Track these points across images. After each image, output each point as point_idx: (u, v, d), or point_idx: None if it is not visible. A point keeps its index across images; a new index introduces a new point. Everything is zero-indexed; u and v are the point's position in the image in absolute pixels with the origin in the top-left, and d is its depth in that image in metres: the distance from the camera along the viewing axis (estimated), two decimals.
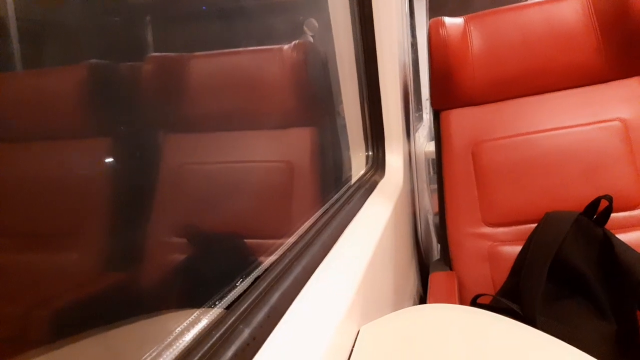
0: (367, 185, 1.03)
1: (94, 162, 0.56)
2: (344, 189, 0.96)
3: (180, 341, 0.40)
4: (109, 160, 0.57)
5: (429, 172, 1.79)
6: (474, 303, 1.03)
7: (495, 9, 1.27)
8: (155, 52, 0.78)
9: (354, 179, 1.09)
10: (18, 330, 0.39)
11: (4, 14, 0.41)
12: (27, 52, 0.44)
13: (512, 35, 1.22)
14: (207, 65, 0.98)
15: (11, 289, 0.39)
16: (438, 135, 1.30)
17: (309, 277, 0.58)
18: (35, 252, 0.43)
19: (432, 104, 1.31)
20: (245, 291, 0.50)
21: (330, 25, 1.13)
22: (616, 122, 1.12)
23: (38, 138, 0.48)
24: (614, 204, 0.98)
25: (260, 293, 0.49)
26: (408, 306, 1.08)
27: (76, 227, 0.52)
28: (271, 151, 1.02)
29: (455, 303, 0.99)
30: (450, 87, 1.24)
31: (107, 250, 0.55)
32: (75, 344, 0.41)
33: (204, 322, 0.43)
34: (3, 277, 0.39)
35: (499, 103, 1.24)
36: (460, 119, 1.25)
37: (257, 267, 0.56)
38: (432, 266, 1.23)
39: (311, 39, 1.14)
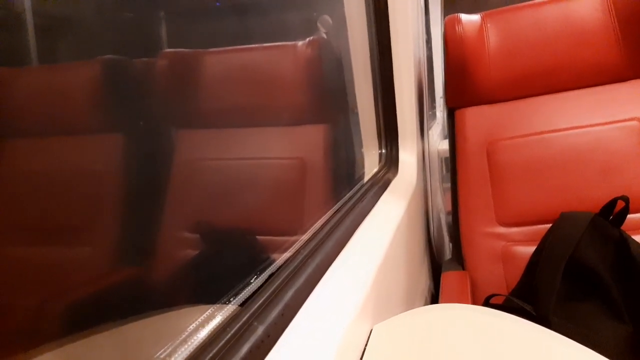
0: (380, 183, 1.03)
1: (108, 157, 0.56)
2: (357, 186, 0.96)
3: (195, 337, 0.40)
4: (124, 155, 0.57)
5: (442, 171, 1.78)
6: (487, 303, 1.03)
7: (512, 5, 1.26)
8: (169, 48, 0.78)
9: (367, 177, 1.08)
10: (32, 324, 0.39)
11: (20, 9, 0.41)
12: (43, 47, 0.44)
13: (529, 33, 1.21)
14: (220, 62, 0.99)
15: (26, 283, 0.40)
16: (452, 134, 1.29)
17: (322, 275, 0.58)
18: (51, 246, 0.44)
19: (447, 102, 1.30)
20: (259, 288, 0.50)
21: (344, 21, 1.12)
22: (634, 122, 1.11)
23: (53, 133, 0.48)
24: (631, 205, 0.96)
25: (274, 290, 0.49)
26: (420, 305, 1.07)
27: (91, 222, 0.52)
28: (284, 148, 1.02)
29: (467, 303, 0.98)
30: (466, 85, 1.23)
31: (121, 245, 0.56)
32: (89, 339, 0.41)
33: (218, 319, 0.43)
34: (19, 271, 0.39)
35: (514, 101, 1.23)
36: (475, 118, 1.24)
37: (270, 264, 0.56)
38: (444, 265, 1.23)
39: (325, 36, 1.13)
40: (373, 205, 0.89)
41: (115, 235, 0.56)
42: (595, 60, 1.16)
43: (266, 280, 0.52)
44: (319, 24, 1.16)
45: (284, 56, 1.06)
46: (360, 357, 0.52)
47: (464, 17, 1.25)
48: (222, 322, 0.42)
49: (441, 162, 1.79)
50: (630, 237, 0.95)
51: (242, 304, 0.46)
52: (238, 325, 0.41)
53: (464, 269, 1.17)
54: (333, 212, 0.79)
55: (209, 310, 0.44)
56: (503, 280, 1.10)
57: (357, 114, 1.19)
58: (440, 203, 1.58)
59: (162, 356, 0.38)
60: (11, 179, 0.40)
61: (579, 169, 1.10)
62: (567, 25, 1.18)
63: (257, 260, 0.58)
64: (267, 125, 1.02)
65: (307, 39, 1.04)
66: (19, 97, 0.43)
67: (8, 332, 0.37)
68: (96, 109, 0.58)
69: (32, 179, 0.43)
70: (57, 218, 0.46)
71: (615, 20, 1.15)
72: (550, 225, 1.06)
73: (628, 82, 1.16)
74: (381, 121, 1.19)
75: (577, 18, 1.18)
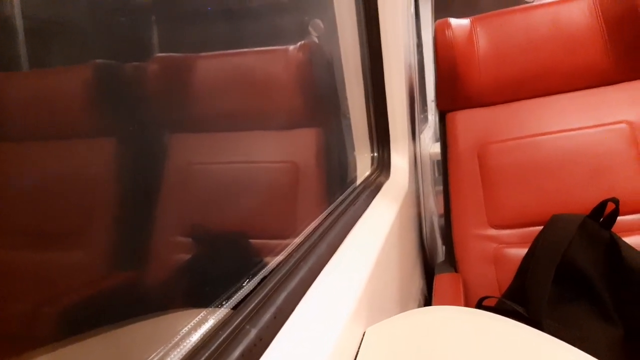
0: (373, 187, 1.03)
1: (100, 161, 0.56)
2: (349, 190, 0.96)
3: (187, 341, 0.40)
4: (116, 159, 0.57)
5: (434, 174, 1.79)
6: (479, 305, 1.03)
7: (501, 10, 1.27)
8: (161, 52, 0.78)
9: (359, 180, 1.09)
10: (25, 328, 0.39)
11: (10, 13, 0.41)
12: (33, 51, 0.44)
13: (518, 37, 1.22)
14: (212, 66, 0.99)
15: (19, 287, 0.39)
16: (444, 137, 1.30)
17: (315, 278, 0.58)
18: (43, 251, 0.43)
19: (438, 105, 1.31)
20: (251, 291, 0.50)
21: (335, 26, 1.13)
22: (623, 125, 1.12)
23: (45, 138, 0.48)
24: (621, 207, 0.97)
25: (267, 293, 0.49)
26: (413, 308, 1.07)
27: (83, 227, 0.52)
28: (277, 152, 1.02)
29: (460, 305, 0.99)
30: (456, 88, 1.24)
31: (114, 249, 0.55)
32: (81, 344, 0.41)
33: (210, 322, 0.43)
34: (11, 275, 0.39)
35: (505, 105, 1.24)
36: (466, 121, 1.25)
37: (263, 267, 0.56)
38: (437, 268, 1.23)
39: (316, 40, 1.14)
40: (365, 209, 0.89)
41: (108, 239, 0.55)
42: (584, 64, 1.18)
43: (259, 284, 0.52)
44: (310, 28, 1.16)
45: (275, 60, 1.06)
46: (353, 359, 0.52)
47: (453, 21, 1.26)
48: (214, 325, 0.42)
49: (433, 165, 1.80)
50: (621, 239, 0.95)
51: (234, 308, 0.46)
52: (230, 329, 0.41)
53: (456, 271, 1.17)
54: (325, 215, 0.79)
55: (201, 314, 0.44)
56: (495, 283, 1.11)
57: (349, 117, 1.19)
58: (433, 206, 1.59)
59: None
60: (3, 184, 0.40)
61: (569, 171, 1.11)
62: (556, 30, 1.19)
63: (250, 263, 0.57)
64: (260, 129, 1.02)
65: (299, 43, 1.04)
66: (10, 102, 0.43)
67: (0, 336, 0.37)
68: (87, 113, 0.57)
69: (24, 183, 0.43)
70: (49, 223, 0.45)
71: (604, 24, 1.16)
72: (542, 227, 1.07)
73: (616, 85, 1.17)
74: (373, 125, 1.19)
75: (566, 22, 1.19)
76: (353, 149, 1.20)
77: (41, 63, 0.48)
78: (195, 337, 0.40)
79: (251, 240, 0.84)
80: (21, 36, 0.42)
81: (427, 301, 1.28)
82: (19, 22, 0.42)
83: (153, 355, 0.38)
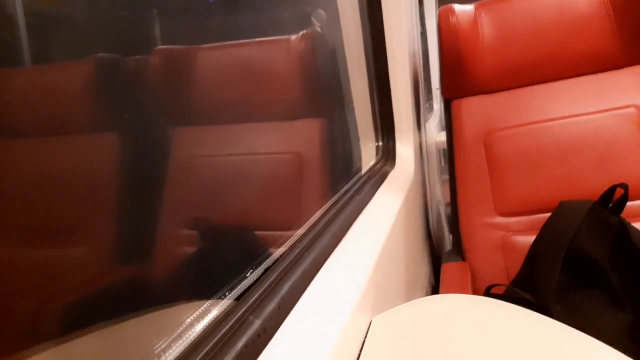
0: (378, 176, 1.02)
1: (103, 156, 0.56)
2: (354, 179, 0.96)
3: (191, 332, 0.39)
4: (120, 153, 0.57)
5: (440, 162, 1.78)
6: (487, 293, 1.02)
7: None
8: (162, 44, 0.78)
9: (364, 170, 1.08)
10: (30, 323, 0.39)
11: (12, 9, 0.41)
12: (35, 47, 0.44)
13: (523, 22, 1.20)
14: (214, 58, 0.98)
15: (23, 282, 0.39)
16: (449, 125, 1.29)
17: (319, 268, 0.57)
18: (47, 246, 0.43)
19: (443, 93, 1.30)
20: (255, 282, 0.49)
21: (338, 14, 1.12)
22: (631, 109, 1.10)
23: (47, 133, 0.47)
24: (630, 192, 0.96)
25: (271, 284, 0.49)
26: (420, 297, 1.07)
27: (87, 221, 0.52)
28: (280, 143, 1.01)
29: (468, 293, 0.98)
30: (461, 75, 1.23)
31: (118, 243, 0.55)
32: (86, 336, 0.41)
33: (214, 313, 0.42)
34: (15, 270, 0.39)
35: (510, 91, 1.22)
36: (472, 108, 1.23)
37: (267, 258, 0.55)
38: (444, 257, 1.22)
39: (319, 30, 1.13)
40: (370, 198, 0.89)
41: (112, 234, 0.55)
42: (591, 48, 1.16)
43: (262, 274, 0.51)
44: (312, 18, 1.15)
45: (278, 51, 1.05)
46: (359, 348, 0.52)
47: (457, 7, 1.24)
48: (218, 316, 0.42)
49: (439, 153, 1.78)
50: (630, 224, 0.94)
51: (238, 298, 0.46)
52: (234, 320, 0.41)
53: (464, 260, 1.17)
54: (330, 205, 0.78)
55: (205, 305, 0.43)
56: (503, 270, 1.10)
57: (353, 107, 1.18)
58: (439, 195, 1.58)
59: (156, 351, 0.37)
60: (5, 180, 0.40)
61: (577, 157, 1.10)
62: (562, 13, 1.17)
63: (253, 254, 0.57)
64: (263, 121, 1.01)
65: (301, 33, 1.03)
66: (11, 98, 0.43)
67: (8, 332, 0.37)
68: (90, 108, 0.57)
69: (27, 179, 0.42)
70: (54, 218, 0.45)
71: (610, 7, 1.14)
72: (550, 214, 1.06)
73: (624, 69, 1.15)
74: (377, 114, 1.18)
75: (572, 5, 1.17)
76: (357, 139, 1.19)
77: (42, 58, 0.48)
78: (199, 328, 0.40)
79: (255, 232, 0.84)
80: (23, 31, 0.42)
81: (435, 290, 1.27)
82: (20, 18, 0.42)
83: (157, 347, 0.38)
